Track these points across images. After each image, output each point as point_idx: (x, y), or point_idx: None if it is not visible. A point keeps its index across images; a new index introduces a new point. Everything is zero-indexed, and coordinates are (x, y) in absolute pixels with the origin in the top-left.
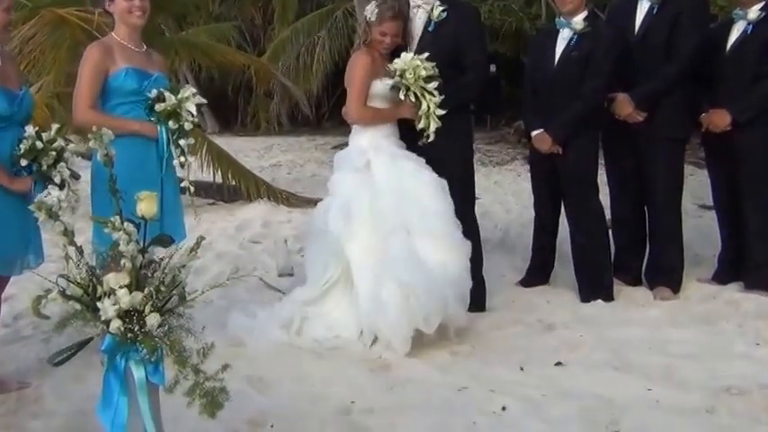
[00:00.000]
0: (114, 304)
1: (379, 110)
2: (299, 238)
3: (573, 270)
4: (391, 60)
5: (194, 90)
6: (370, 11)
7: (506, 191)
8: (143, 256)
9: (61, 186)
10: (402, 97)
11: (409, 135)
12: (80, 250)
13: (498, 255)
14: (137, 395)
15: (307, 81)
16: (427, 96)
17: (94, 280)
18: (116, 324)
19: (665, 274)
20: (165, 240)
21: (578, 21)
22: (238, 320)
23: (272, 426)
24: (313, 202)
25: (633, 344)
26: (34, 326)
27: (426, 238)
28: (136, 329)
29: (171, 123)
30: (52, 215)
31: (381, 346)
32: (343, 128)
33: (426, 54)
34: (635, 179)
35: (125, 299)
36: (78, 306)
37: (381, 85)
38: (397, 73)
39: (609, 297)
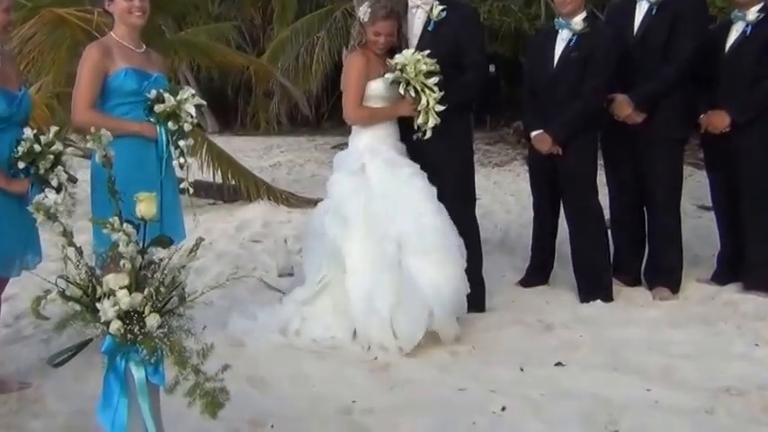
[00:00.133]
0: (114, 305)
1: (375, 109)
2: (298, 238)
3: (572, 270)
4: (386, 60)
5: (193, 91)
6: (363, 11)
7: (506, 191)
8: (143, 257)
9: (58, 190)
10: (402, 92)
11: (410, 135)
12: (79, 251)
13: (498, 255)
14: (137, 396)
15: (306, 81)
16: (427, 92)
17: (94, 281)
18: (116, 325)
19: (664, 275)
20: (165, 241)
21: (578, 21)
22: (238, 322)
23: (272, 426)
24: (313, 203)
25: (632, 344)
26: (35, 326)
27: (420, 257)
28: (136, 330)
29: (170, 124)
30: (50, 216)
31: (375, 346)
32: (342, 128)
33: (428, 51)
34: (634, 180)
35: (125, 300)
36: (78, 307)
37: (377, 85)
38: (398, 67)
39: (608, 297)
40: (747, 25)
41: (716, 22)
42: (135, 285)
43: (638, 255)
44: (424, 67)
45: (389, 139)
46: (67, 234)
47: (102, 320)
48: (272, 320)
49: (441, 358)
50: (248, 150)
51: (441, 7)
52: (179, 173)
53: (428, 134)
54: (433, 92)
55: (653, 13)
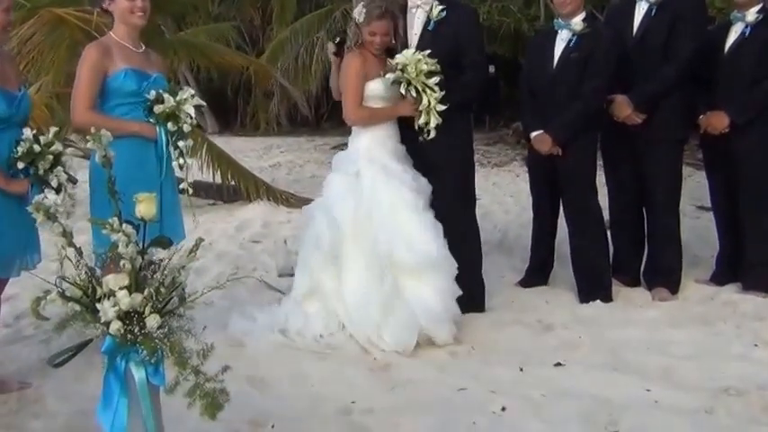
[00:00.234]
0: (114, 306)
1: (376, 109)
2: (298, 239)
3: (572, 271)
4: (385, 60)
5: (193, 92)
6: (358, 12)
7: (505, 192)
8: (143, 258)
9: (58, 190)
10: (403, 92)
11: (409, 136)
12: (79, 251)
13: (497, 255)
14: (137, 396)
15: (305, 82)
16: (428, 91)
17: (94, 281)
18: (116, 325)
19: (664, 275)
20: (165, 242)
21: (577, 22)
22: (238, 322)
23: (272, 426)
24: None
25: (632, 344)
26: (35, 326)
27: (407, 276)
28: (136, 331)
29: (170, 125)
30: (50, 217)
31: (370, 346)
32: (342, 128)
33: (428, 51)
34: (633, 180)
35: (125, 300)
36: (78, 307)
37: (377, 85)
38: (399, 67)
39: (608, 298)
40: (746, 26)
41: (714, 22)
42: (135, 286)
43: (637, 255)
44: (425, 67)
45: (389, 140)
46: (67, 234)
47: (102, 321)
48: (272, 321)
49: (441, 358)
50: (248, 151)
51: (440, 7)
52: (178, 173)
53: (432, 134)
54: (434, 92)
55: (652, 13)
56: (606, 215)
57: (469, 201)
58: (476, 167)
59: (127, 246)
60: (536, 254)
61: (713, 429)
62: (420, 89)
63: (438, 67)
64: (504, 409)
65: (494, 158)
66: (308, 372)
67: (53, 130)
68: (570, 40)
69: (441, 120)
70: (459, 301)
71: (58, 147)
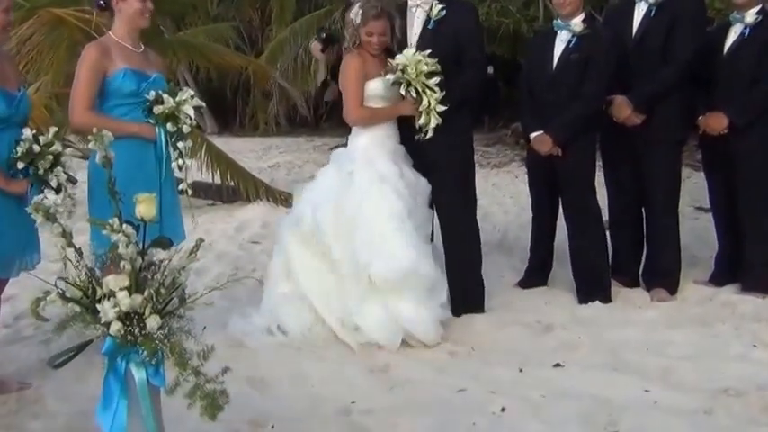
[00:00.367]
0: (114, 306)
1: (376, 109)
2: None
3: (571, 271)
4: (384, 60)
5: (192, 92)
6: (355, 12)
7: (504, 192)
8: (143, 259)
9: (57, 190)
10: (403, 93)
11: (409, 135)
12: (79, 252)
13: (497, 256)
14: (138, 397)
15: (305, 82)
16: (428, 92)
17: (94, 282)
18: (116, 326)
19: (663, 276)
20: (165, 243)
21: (577, 23)
22: (238, 323)
23: (272, 426)
24: None
25: (631, 345)
26: (35, 326)
27: (387, 288)
28: (136, 332)
29: (169, 126)
30: (50, 217)
31: (340, 327)
32: (341, 129)
33: (428, 51)
34: (632, 181)
35: (125, 301)
36: (78, 308)
37: (376, 85)
38: (399, 68)
39: (607, 298)
40: (746, 27)
41: (713, 23)
42: (135, 287)
43: (636, 256)
44: (425, 68)
45: (389, 141)
46: (67, 235)
47: (103, 322)
48: (264, 320)
49: (440, 359)
50: (247, 151)
51: (440, 6)
52: (178, 174)
53: (429, 134)
54: (435, 92)
55: (651, 14)
56: (605, 216)
57: (469, 201)
58: (475, 168)
59: (127, 246)
60: (535, 254)
61: (712, 430)
62: (420, 90)
63: (438, 67)
64: (503, 409)
65: (493, 159)
66: (308, 372)
67: (53, 130)
68: (570, 41)
69: (441, 120)
70: (459, 301)
71: (57, 147)
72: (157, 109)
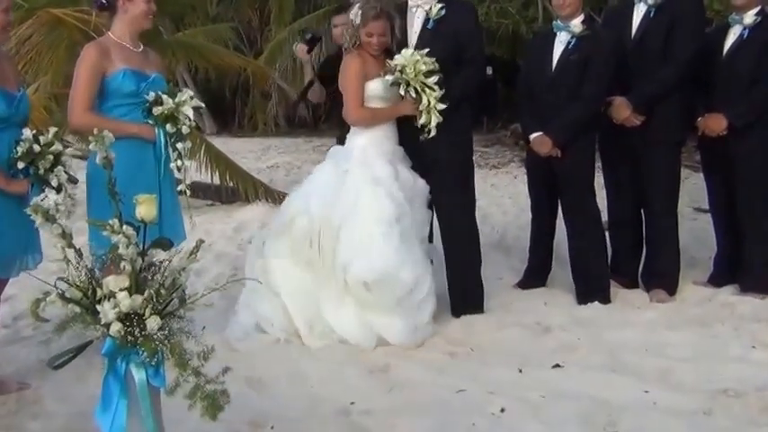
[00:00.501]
0: (114, 307)
1: (377, 110)
2: None
3: (570, 272)
4: (384, 60)
5: (192, 93)
6: (355, 13)
7: (503, 193)
8: (143, 259)
9: (58, 190)
10: (402, 93)
11: (408, 136)
12: (79, 253)
13: (496, 257)
14: (137, 398)
15: (304, 83)
16: (428, 91)
17: (94, 283)
18: (116, 327)
19: (662, 277)
20: (165, 244)
21: (576, 24)
22: (236, 323)
23: (272, 427)
24: None
25: (630, 346)
26: (34, 327)
27: (365, 302)
28: (136, 332)
29: (168, 127)
30: (49, 218)
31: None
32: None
33: (427, 50)
34: (632, 182)
35: (125, 302)
36: (78, 309)
37: (376, 86)
38: (397, 68)
39: (606, 299)
40: (745, 28)
41: (712, 25)
42: (135, 287)
43: (635, 257)
44: (423, 67)
45: (387, 141)
46: (67, 236)
47: (103, 322)
48: (247, 318)
49: (439, 360)
50: (246, 152)
51: (440, 5)
52: (177, 174)
53: (433, 132)
54: (434, 91)
55: (651, 15)
56: (604, 216)
57: (469, 201)
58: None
59: (127, 247)
60: (534, 255)
61: (711, 431)
62: (419, 89)
63: (436, 65)
64: (502, 410)
65: (492, 160)
66: (307, 372)
67: (53, 129)
68: (569, 42)
69: (442, 118)
70: (458, 302)
71: (57, 146)
72: (157, 110)
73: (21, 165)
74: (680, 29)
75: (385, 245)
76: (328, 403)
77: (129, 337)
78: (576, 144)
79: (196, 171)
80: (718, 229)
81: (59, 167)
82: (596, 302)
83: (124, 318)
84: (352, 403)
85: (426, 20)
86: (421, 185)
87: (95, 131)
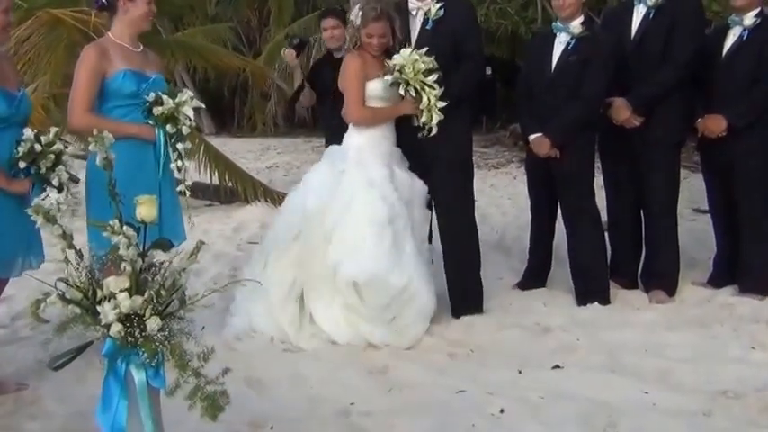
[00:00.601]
0: (114, 308)
1: (378, 109)
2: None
3: (570, 273)
4: (383, 60)
5: (192, 94)
6: (355, 14)
7: (502, 194)
8: (143, 260)
9: (59, 189)
10: (402, 93)
11: (407, 136)
12: (79, 253)
13: (495, 257)
14: (137, 399)
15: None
16: (427, 90)
17: (94, 283)
18: (116, 328)
19: (661, 278)
20: (165, 245)
21: (576, 25)
22: (235, 324)
23: (271, 427)
24: None
25: (629, 347)
26: (32, 327)
27: (350, 304)
28: (136, 333)
29: (168, 127)
30: (50, 218)
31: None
32: None
33: (426, 49)
34: (631, 183)
35: (125, 303)
36: (78, 310)
37: (376, 86)
38: (396, 68)
39: (605, 300)
40: (744, 30)
41: (711, 26)
42: (135, 288)
43: (635, 257)
44: (422, 66)
45: (384, 142)
46: (67, 237)
47: (103, 323)
48: (240, 321)
49: (439, 360)
50: (245, 152)
51: (438, 6)
52: (176, 175)
53: (434, 131)
54: (434, 89)
55: (650, 17)
56: (604, 217)
57: (468, 201)
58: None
59: (128, 248)
60: (534, 256)
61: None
62: (419, 88)
63: (435, 64)
64: (502, 411)
65: (491, 160)
66: (306, 373)
67: (54, 129)
68: (569, 44)
69: (442, 116)
70: (458, 302)
71: (59, 146)
72: (157, 110)
73: (22, 164)
74: (679, 30)
75: (376, 247)
76: (328, 404)
77: (130, 338)
78: (576, 145)
79: (195, 171)
80: (717, 229)
81: (61, 167)
82: (596, 303)
83: (124, 318)
84: (352, 404)
85: (425, 20)
86: (419, 186)
87: (95, 132)
